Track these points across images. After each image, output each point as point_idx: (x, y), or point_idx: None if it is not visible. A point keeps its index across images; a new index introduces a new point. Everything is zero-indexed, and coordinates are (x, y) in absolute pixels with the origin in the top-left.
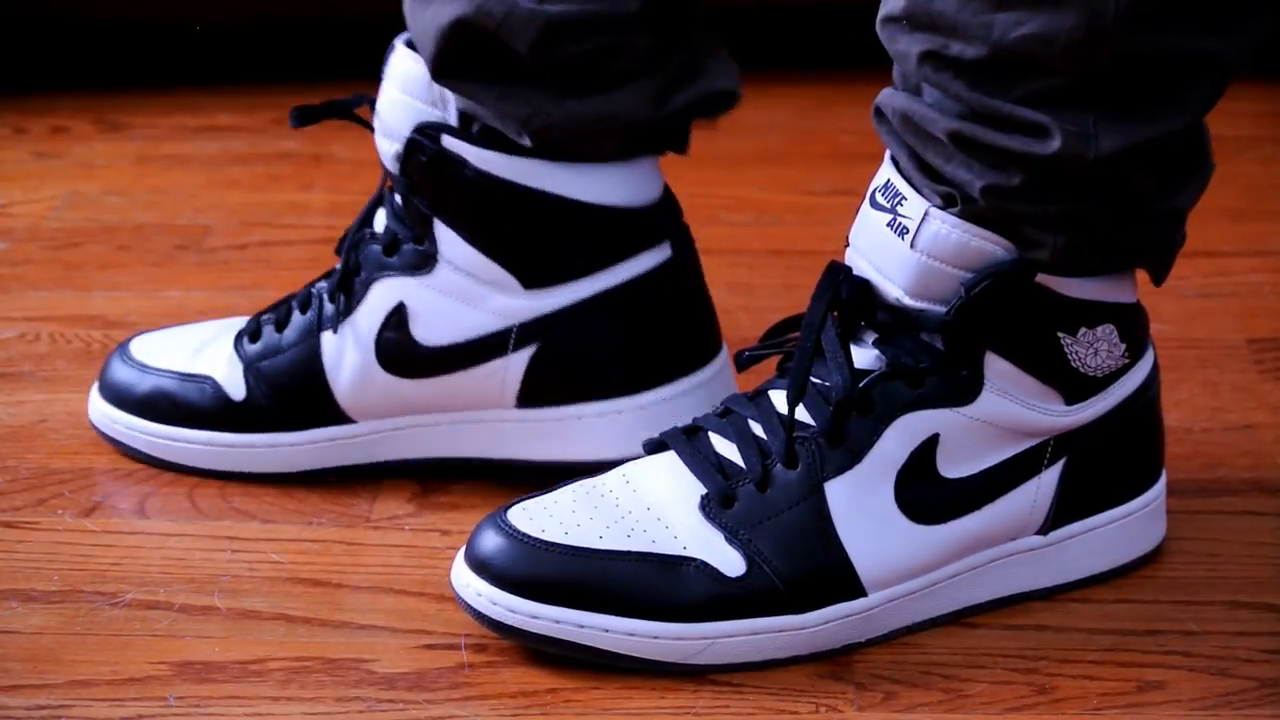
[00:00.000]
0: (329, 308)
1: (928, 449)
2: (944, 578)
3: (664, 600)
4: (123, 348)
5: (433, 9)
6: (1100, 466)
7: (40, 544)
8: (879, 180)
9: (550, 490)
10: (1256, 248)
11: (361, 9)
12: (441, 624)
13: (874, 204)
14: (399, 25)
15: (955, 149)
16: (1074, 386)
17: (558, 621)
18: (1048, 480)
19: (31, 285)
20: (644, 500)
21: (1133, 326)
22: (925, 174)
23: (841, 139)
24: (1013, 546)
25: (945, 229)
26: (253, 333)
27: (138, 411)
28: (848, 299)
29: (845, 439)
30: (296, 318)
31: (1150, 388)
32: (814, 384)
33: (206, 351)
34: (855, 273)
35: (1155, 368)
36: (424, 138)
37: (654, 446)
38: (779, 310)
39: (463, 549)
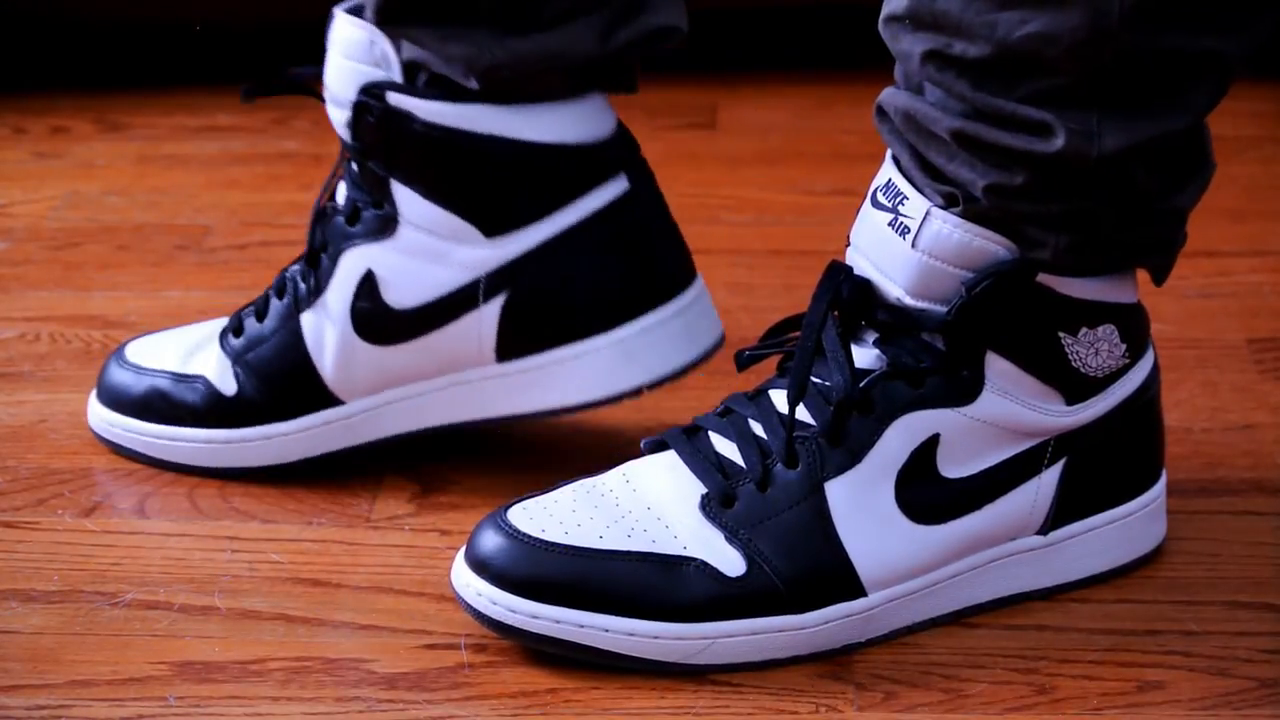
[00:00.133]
0: (302, 287)
1: (928, 449)
2: (944, 578)
3: (664, 600)
4: (118, 352)
5: None
6: (1100, 466)
7: (40, 544)
8: (880, 180)
9: (550, 490)
10: (1256, 248)
11: None
12: (441, 624)
13: (875, 203)
14: None
15: (958, 148)
16: (1074, 386)
17: (558, 621)
18: (1048, 480)
19: (31, 285)
20: (644, 500)
21: (1133, 326)
22: (927, 173)
23: (841, 139)
24: (1013, 546)
25: (947, 228)
26: (235, 328)
27: (135, 413)
28: (848, 298)
29: (845, 439)
30: (275, 304)
31: (1150, 388)
32: (814, 384)
33: (199, 352)
34: (856, 272)
35: (1155, 368)
36: (370, 98)
37: (654, 446)
38: (779, 310)
39: (463, 549)
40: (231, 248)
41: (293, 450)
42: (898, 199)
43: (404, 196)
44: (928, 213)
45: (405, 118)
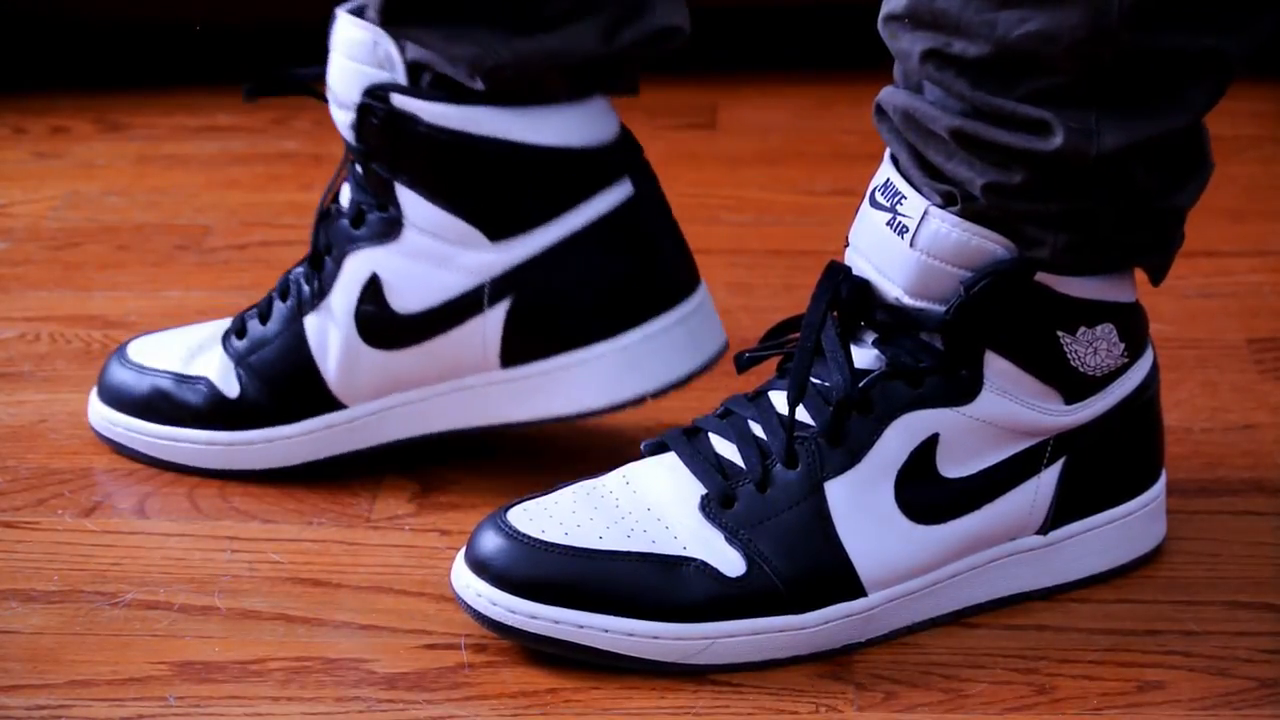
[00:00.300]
0: (306, 290)
1: (927, 449)
2: (944, 578)
3: (664, 600)
4: (120, 351)
5: None
6: (1100, 466)
7: (40, 544)
8: (878, 179)
9: (550, 491)
10: (1256, 248)
11: None
12: (441, 624)
13: (874, 203)
14: None
15: (957, 146)
16: (1073, 386)
17: (557, 622)
18: (1047, 480)
19: (31, 285)
20: (644, 501)
21: (1132, 326)
22: (926, 172)
23: (841, 139)
24: (1012, 546)
25: (945, 227)
26: (238, 330)
27: (137, 413)
28: (847, 299)
29: (845, 439)
30: (278, 306)
31: (1149, 387)
32: (814, 384)
33: (202, 353)
34: (855, 272)
35: (1154, 367)
36: (374, 100)
37: (654, 447)
38: (779, 310)
39: (463, 549)
40: (231, 248)
41: (295, 453)
42: (896, 198)
43: (409, 199)
44: (926, 212)
45: (410, 120)
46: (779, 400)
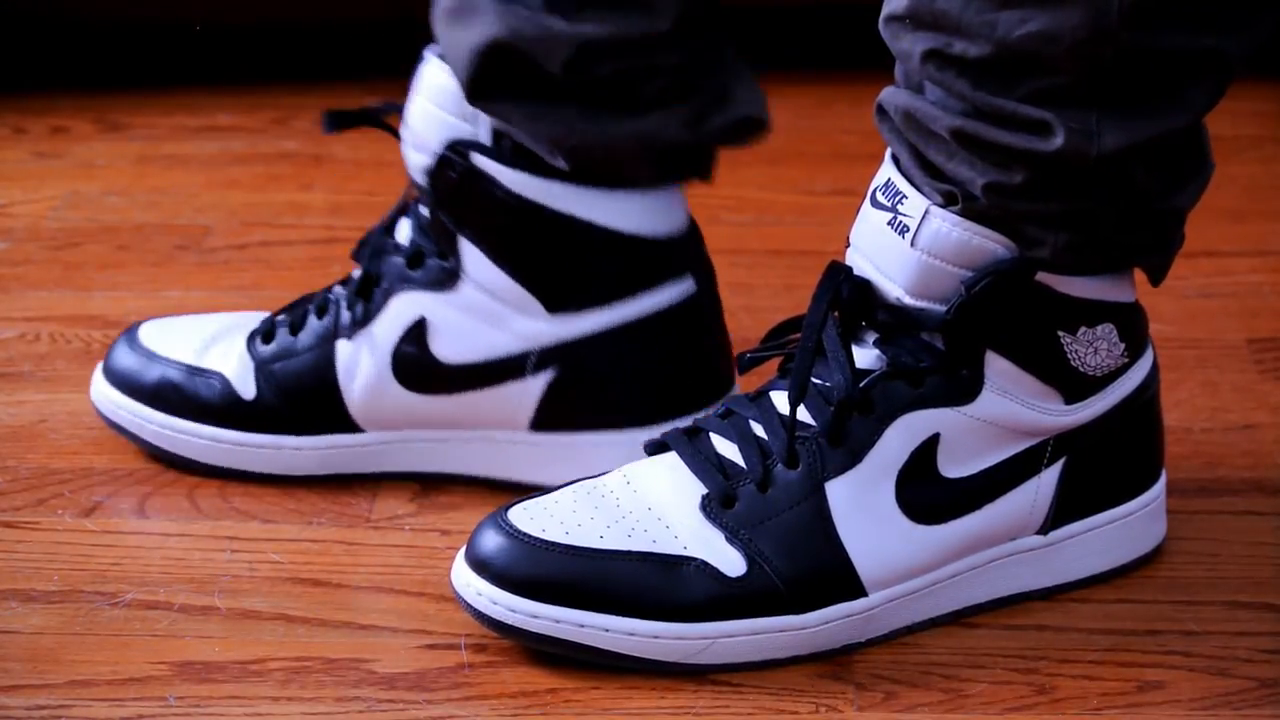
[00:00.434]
0: (345, 315)
1: (928, 449)
2: (944, 578)
3: (664, 600)
4: (130, 333)
5: (465, 30)
6: (1100, 466)
7: (40, 544)
8: (879, 179)
9: (551, 490)
10: (1256, 248)
11: (361, 10)
12: (441, 624)
13: (874, 203)
14: (397, 26)
15: (957, 147)
16: (1074, 386)
17: (558, 621)
18: (1048, 480)
19: (31, 285)
20: (645, 500)
21: (1132, 326)
22: (926, 172)
23: (841, 139)
24: (1013, 546)
25: (946, 227)
26: (266, 333)
27: (144, 400)
28: (848, 299)
29: (846, 439)
30: (312, 322)
31: (1150, 387)
32: (815, 384)
33: (217, 346)
34: (856, 272)
35: (1155, 367)
36: (455, 154)
37: (655, 447)
38: (779, 310)
39: (463, 549)
40: (231, 248)
41: (301, 464)
42: (897, 198)
43: (471, 254)
44: (927, 211)
45: (488, 181)
46: (780, 400)
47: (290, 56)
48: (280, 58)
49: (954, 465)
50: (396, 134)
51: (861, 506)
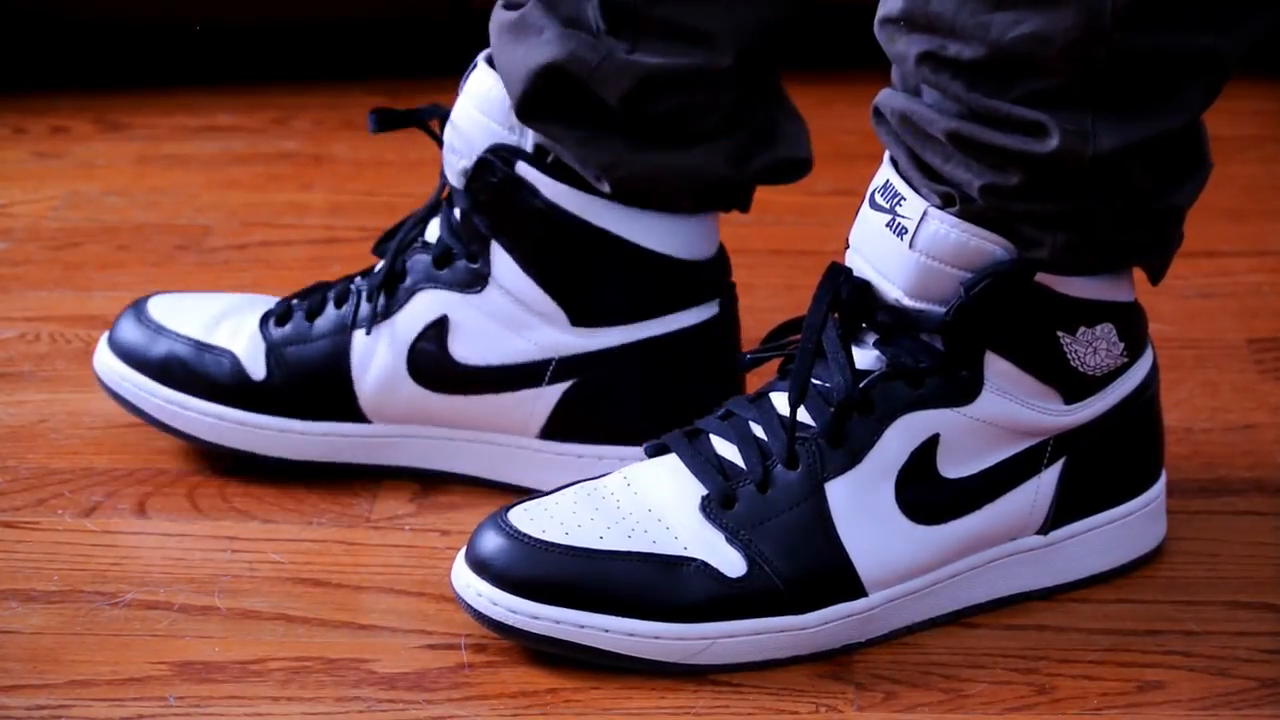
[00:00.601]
0: (365, 307)
1: (928, 449)
2: (944, 578)
3: (664, 600)
4: (139, 305)
5: (524, 49)
6: (1100, 466)
7: (40, 544)
8: (878, 181)
9: (551, 491)
10: (1256, 248)
11: (361, 10)
12: (441, 624)
13: (873, 205)
14: (398, 27)
15: (954, 149)
16: (1073, 386)
17: (558, 622)
18: (1047, 480)
19: (31, 285)
20: (645, 501)
21: (1131, 326)
22: (924, 174)
23: (841, 139)
24: (1013, 546)
25: (944, 229)
26: (281, 315)
27: (150, 373)
28: (848, 300)
29: (846, 439)
30: (330, 310)
31: (1149, 387)
32: (815, 385)
33: (226, 324)
34: (855, 274)
35: (1154, 367)
36: (497, 159)
37: (655, 449)
38: (780, 310)
39: (463, 549)
40: (231, 248)
41: (306, 450)
42: (895, 200)
43: (501, 260)
44: (925, 213)
45: (528, 190)
46: (780, 401)
47: (290, 56)
48: (280, 58)
49: (954, 465)
50: (438, 139)
51: (861, 507)
